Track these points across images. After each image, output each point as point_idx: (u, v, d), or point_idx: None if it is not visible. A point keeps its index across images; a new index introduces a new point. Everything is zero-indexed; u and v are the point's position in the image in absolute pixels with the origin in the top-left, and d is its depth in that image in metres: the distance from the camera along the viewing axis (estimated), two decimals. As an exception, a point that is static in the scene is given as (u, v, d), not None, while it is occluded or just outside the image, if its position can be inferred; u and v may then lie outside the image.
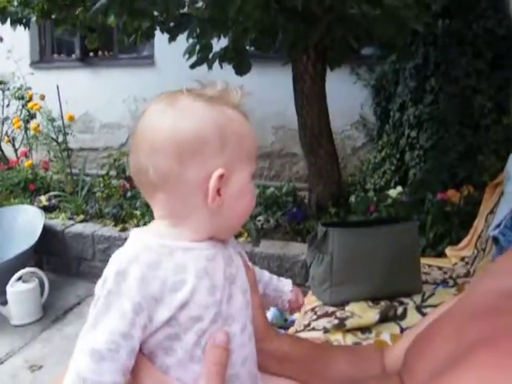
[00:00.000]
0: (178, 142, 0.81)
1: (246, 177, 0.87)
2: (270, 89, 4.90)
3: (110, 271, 0.78)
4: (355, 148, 5.44)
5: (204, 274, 0.82)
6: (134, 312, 0.75)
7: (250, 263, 0.99)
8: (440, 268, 2.53)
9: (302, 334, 2.01)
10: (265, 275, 1.11)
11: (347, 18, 2.70)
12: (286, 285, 1.13)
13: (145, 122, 0.84)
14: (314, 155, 3.85)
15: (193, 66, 3.28)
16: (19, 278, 3.04)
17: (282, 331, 2.71)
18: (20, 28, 4.06)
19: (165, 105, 0.85)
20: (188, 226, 0.85)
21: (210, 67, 3.25)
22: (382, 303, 2.07)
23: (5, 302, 3.01)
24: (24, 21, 3.77)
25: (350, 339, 1.85)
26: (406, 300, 2.10)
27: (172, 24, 3.51)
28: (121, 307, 0.75)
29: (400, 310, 2.03)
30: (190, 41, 3.29)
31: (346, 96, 4.91)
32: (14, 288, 3.00)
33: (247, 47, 3.41)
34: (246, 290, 0.91)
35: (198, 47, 3.10)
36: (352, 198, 3.97)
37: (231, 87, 0.89)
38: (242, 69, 3.19)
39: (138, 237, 0.84)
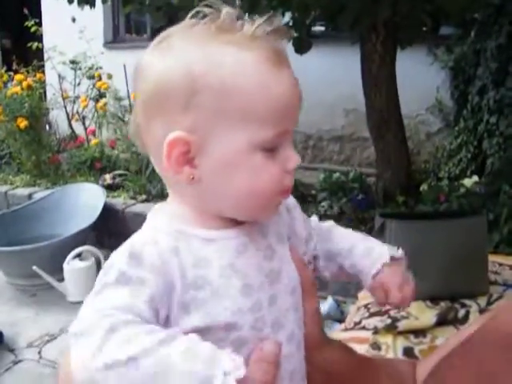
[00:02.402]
0: (145, 90, 0.66)
1: (238, 144, 0.64)
2: (342, 70, 4.72)
3: (118, 255, 0.63)
4: (430, 133, 5.15)
5: (232, 273, 0.66)
6: (151, 300, 0.60)
7: (305, 258, 0.79)
8: (512, 267, 2.30)
9: (351, 333, 1.87)
10: (344, 244, 0.82)
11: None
12: (371, 263, 0.79)
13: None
14: (383, 140, 3.66)
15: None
16: (76, 256, 3.07)
17: (337, 324, 2.59)
18: (93, 8, 4.09)
19: (154, 42, 0.69)
20: (187, 203, 0.69)
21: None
22: (442, 304, 1.90)
23: (62, 279, 3.05)
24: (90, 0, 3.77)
25: (400, 343, 1.69)
26: (469, 302, 1.91)
27: (238, 1, 3.41)
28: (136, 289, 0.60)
29: (462, 312, 1.84)
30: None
31: (422, 78, 4.63)
32: (70, 265, 3.03)
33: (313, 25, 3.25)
34: (295, 289, 0.73)
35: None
36: (424, 187, 3.75)
37: (256, 19, 0.65)
38: (301, 46, 3.03)
39: (154, 218, 0.70)
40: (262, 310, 0.67)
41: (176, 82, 0.63)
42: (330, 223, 0.86)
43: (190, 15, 0.67)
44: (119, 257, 0.63)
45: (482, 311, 1.85)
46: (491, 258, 2.18)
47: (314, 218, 0.87)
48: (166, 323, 0.62)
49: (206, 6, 0.66)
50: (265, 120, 0.63)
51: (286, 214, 0.79)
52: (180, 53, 0.65)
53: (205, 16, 0.66)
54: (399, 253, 0.83)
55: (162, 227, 0.67)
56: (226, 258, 0.66)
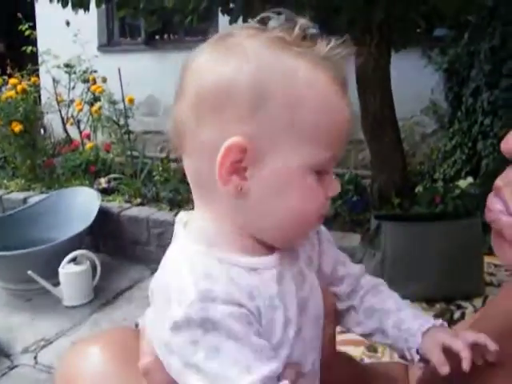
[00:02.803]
0: (199, 88, 0.62)
1: (296, 162, 0.61)
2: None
3: (181, 305, 0.57)
4: (425, 135, 5.17)
5: (278, 304, 0.63)
6: (248, 325, 0.58)
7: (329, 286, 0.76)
8: (508, 269, 2.31)
9: (347, 336, 1.87)
10: (390, 304, 0.76)
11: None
12: (419, 324, 0.72)
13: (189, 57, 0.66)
14: (377, 142, 3.66)
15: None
16: (71, 260, 3.06)
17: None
18: (86, 12, 4.08)
19: (212, 40, 0.65)
20: (223, 219, 0.64)
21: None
22: (438, 306, 1.91)
23: (57, 283, 3.04)
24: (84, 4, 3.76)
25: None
26: (464, 303, 1.92)
27: (232, 5, 3.41)
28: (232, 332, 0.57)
29: (457, 314, 1.86)
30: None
31: (416, 80, 4.64)
32: (65, 269, 3.02)
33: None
34: (319, 318, 0.70)
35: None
36: (419, 188, 3.76)
37: (327, 40, 0.62)
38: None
39: (189, 241, 0.64)
40: (295, 344, 0.64)
41: (244, 85, 0.59)
42: (378, 280, 0.81)
43: (258, 18, 0.64)
44: (187, 305, 0.57)
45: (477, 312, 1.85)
46: (487, 259, 2.19)
47: (362, 269, 0.81)
48: None
49: (275, 12, 0.63)
50: (325, 141, 0.61)
51: (315, 238, 0.75)
52: (251, 55, 0.61)
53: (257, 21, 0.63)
54: (444, 323, 0.75)
55: (204, 252, 0.62)
56: (272, 288, 0.63)
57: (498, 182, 0.68)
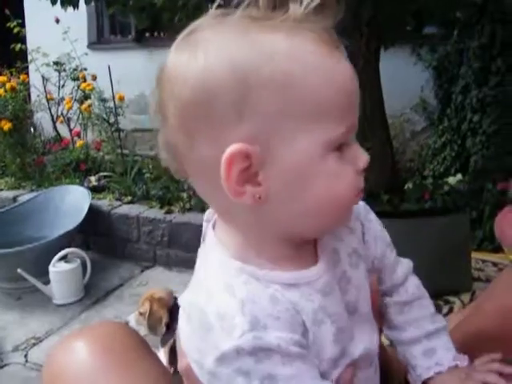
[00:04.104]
0: (178, 104, 0.54)
1: (309, 147, 0.53)
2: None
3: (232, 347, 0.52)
4: (415, 132, 5.20)
5: (324, 317, 0.58)
6: (300, 347, 0.55)
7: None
8: (495, 264, 2.33)
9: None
10: (412, 331, 0.75)
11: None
12: (427, 366, 0.72)
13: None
14: (367, 140, 3.67)
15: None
16: (62, 258, 3.05)
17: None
18: (76, 9, 4.06)
19: (177, 42, 0.57)
20: (248, 232, 0.58)
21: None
22: (426, 301, 1.92)
23: (47, 282, 3.03)
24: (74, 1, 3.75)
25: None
26: (452, 298, 1.94)
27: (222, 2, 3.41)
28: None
29: (445, 309, 1.88)
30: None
31: (406, 78, 4.68)
32: (55, 268, 3.01)
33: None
34: (369, 313, 0.68)
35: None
36: (409, 185, 3.78)
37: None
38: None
39: (223, 260, 0.58)
40: (348, 349, 0.62)
41: (222, 83, 0.51)
42: (422, 292, 0.80)
43: (215, 5, 0.56)
44: (239, 336, 0.52)
45: (465, 307, 1.87)
46: (474, 255, 2.22)
47: (410, 264, 0.79)
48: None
49: None
50: (333, 114, 0.54)
51: (358, 222, 0.70)
52: (219, 47, 0.53)
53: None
54: (463, 361, 0.73)
55: (240, 269, 0.57)
56: (316, 301, 0.58)
57: None
